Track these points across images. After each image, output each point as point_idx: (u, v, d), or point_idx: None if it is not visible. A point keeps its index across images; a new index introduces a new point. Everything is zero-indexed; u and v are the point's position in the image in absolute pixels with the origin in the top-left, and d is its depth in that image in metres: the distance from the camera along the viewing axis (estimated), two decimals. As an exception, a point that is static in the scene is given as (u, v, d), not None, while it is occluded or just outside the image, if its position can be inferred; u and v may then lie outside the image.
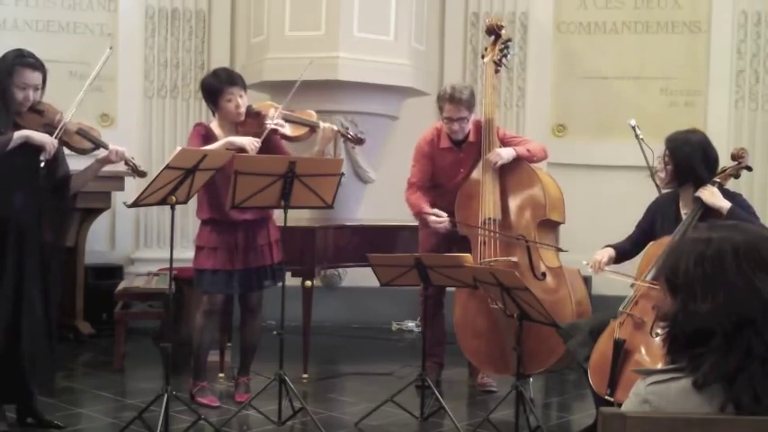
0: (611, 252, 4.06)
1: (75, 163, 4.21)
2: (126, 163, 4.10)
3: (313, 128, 4.56)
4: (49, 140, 3.86)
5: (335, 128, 4.59)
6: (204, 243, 4.51)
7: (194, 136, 4.52)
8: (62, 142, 4.00)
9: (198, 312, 4.64)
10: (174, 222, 4.21)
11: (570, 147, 6.75)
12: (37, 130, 3.89)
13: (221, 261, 4.49)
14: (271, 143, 4.50)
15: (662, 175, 3.97)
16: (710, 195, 3.77)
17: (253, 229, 4.53)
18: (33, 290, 3.93)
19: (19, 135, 3.83)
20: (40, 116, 3.98)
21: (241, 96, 4.51)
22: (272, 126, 4.44)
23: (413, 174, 5.03)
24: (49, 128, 3.94)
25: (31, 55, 3.99)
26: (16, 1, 6.58)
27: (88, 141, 4.09)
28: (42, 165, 3.86)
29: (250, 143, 4.35)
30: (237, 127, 4.54)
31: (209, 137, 4.48)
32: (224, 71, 4.72)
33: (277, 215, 4.64)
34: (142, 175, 4.15)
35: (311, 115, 4.63)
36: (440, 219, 4.80)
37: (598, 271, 4.00)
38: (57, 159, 3.98)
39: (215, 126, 4.57)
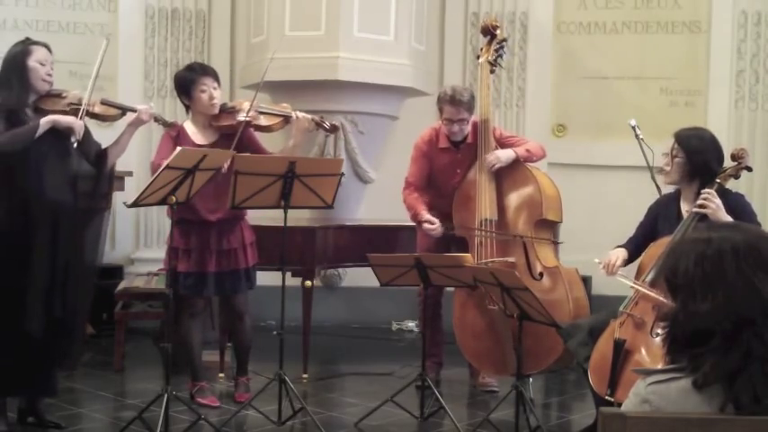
0: (624, 254, 3.94)
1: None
2: (155, 119, 4.23)
3: (287, 118, 4.51)
4: (75, 122, 3.90)
5: (310, 117, 4.54)
6: (177, 244, 4.42)
7: (164, 140, 4.46)
8: (90, 115, 4.04)
9: (183, 315, 4.62)
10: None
11: (570, 147, 6.75)
12: (63, 111, 3.95)
13: (194, 263, 4.45)
14: (245, 137, 4.46)
15: (667, 168, 3.85)
16: (714, 212, 3.62)
17: (225, 231, 4.48)
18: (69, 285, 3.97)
19: (46, 121, 3.86)
20: (62, 98, 4.01)
21: (215, 88, 4.47)
22: (246, 118, 4.41)
23: (410, 173, 5.03)
24: (74, 106, 3.98)
25: None
26: (16, 1, 6.59)
27: (114, 108, 4.16)
28: (75, 146, 3.90)
29: None
30: (211, 121, 4.51)
31: (180, 138, 4.44)
32: (198, 64, 4.82)
33: (259, 214, 4.64)
34: (172, 126, 4.36)
35: (285, 107, 4.60)
36: (433, 226, 4.79)
37: (611, 274, 3.87)
38: (85, 140, 4.00)
39: (188, 124, 4.54)
